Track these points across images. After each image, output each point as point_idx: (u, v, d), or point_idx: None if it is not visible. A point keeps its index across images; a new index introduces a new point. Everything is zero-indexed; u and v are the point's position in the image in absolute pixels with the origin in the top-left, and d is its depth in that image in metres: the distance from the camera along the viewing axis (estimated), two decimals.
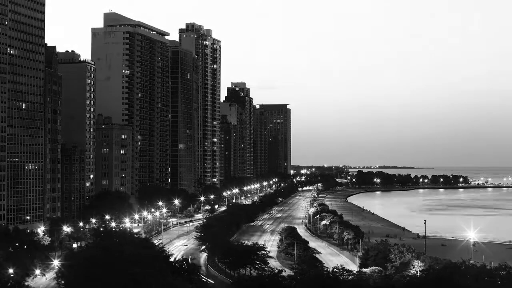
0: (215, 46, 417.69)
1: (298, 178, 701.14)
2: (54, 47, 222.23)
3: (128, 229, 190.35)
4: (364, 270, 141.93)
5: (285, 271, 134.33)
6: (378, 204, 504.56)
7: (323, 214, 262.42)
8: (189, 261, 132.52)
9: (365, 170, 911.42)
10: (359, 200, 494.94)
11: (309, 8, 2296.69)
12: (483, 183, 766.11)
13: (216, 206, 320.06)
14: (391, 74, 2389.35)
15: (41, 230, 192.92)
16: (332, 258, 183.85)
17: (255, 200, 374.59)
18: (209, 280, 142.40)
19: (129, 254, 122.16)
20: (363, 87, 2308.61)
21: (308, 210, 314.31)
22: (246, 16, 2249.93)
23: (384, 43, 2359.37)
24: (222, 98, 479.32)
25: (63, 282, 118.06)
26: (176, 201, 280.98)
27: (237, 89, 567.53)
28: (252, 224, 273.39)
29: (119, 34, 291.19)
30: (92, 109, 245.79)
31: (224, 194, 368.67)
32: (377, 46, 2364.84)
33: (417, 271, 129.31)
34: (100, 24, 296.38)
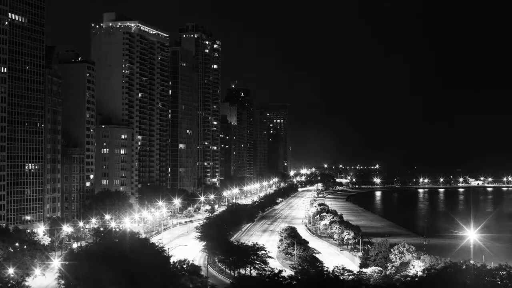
0: (215, 46, 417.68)
1: (298, 178, 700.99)
2: (54, 47, 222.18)
3: (128, 229, 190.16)
4: (364, 270, 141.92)
5: (285, 271, 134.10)
6: (378, 203, 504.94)
7: (323, 214, 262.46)
8: (189, 261, 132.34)
9: (365, 170, 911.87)
10: (359, 200, 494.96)
11: (308, 8, 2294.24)
12: (483, 183, 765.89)
13: (216, 206, 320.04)
14: None
15: (41, 230, 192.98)
16: (332, 258, 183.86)
17: (255, 200, 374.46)
18: (209, 280, 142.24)
19: (129, 254, 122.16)
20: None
21: (308, 210, 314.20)
22: (247, 15, 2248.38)
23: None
24: (222, 98, 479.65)
25: (63, 282, 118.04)
26: (176, 201, 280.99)
27: (237, 89, 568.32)
28: (252, 224, 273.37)
29: (119, 34, 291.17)
30: (92, 109, 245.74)
31: (224, 194, 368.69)
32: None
33: (417, 271, 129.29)
34: (100, 24, 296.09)
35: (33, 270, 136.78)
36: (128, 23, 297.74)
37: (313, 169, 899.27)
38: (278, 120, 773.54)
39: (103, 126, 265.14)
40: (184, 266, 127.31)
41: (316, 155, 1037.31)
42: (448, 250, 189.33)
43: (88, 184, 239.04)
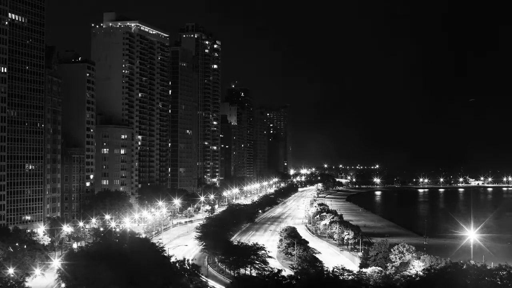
0: (215, 46, 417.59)
1: (298, 178, 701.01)
2: (54, 47, 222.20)
3: (128, 229, 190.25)
4: (364, 270, 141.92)
5: (285, 271, 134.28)
6: (378, 203, 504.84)
7: (323, 214, 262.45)
8: (189, 261, 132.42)
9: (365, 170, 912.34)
10: (359, 200, 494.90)
11: (308, 9, 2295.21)
12: (483, 183, 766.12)
13: (216, 206, 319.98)
14: None
15: (41, 230, 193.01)
16: (332, 258, 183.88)
17: (255, 200, 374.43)
18: (209, 280, 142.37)
19: (129, 254, 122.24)
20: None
21: (308, 210, 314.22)
22: (247, 15, 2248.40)
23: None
24: (222, 98, 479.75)
25: (63, 282, 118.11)
26: (176, 201, 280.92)
27: (237, 89, 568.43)
28: (252, 224, 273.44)
29: (119, 34, 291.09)
30: (92, 109, 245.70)
31: (224, 194, 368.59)
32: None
33: (417, 271, 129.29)
34: (100, 24, 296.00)
35: (33, 270, 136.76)
36: (128, 23, 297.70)
37: (313, 169, 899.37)
38: (278, 120, 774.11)
39: (103, 126, 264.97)
40: (184, 266, 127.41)
41: (316, 155, 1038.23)
42: (448, 250, 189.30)
43: (88, 184, 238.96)
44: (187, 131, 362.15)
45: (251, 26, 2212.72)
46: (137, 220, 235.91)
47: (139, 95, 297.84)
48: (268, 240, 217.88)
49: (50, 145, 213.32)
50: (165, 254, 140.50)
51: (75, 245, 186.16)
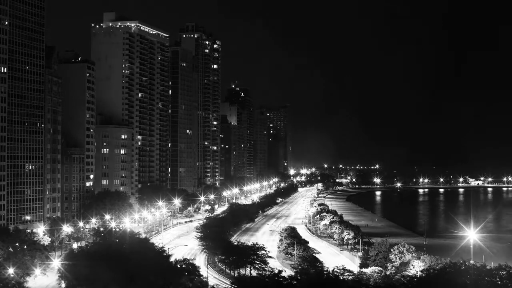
0: (215, 46, 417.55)
1: (298, 178, 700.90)
2: (54, 47, 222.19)
3: (128, 229, 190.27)
4: (364, 270, 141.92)
5: (285, 271, 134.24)
6: (378, 203, 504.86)
7: (323, 214, 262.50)
8: (189, 261, 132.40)
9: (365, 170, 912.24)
10: (359, 200, 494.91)
11: (308, 9, 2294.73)
12: (483, 183, 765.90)
13: (216, 206, 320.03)
14: None
15: (41, 230, 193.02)
16: (332, 258, 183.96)
17: (255, 200, 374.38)
18: (209, 280, 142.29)
19: (129, 254, 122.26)
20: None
21: (308, 210, 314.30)
22: (247, 16, 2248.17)
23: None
24: (222, 98, 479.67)
25: (63, 282, 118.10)
26: (176, 201, 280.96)
27: (237, 89, 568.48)
28: (252, 224, 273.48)
29: (119, 34, 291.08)
30: (92, 109, 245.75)
31: (224, 194, 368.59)
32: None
33: (417, 271, 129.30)
34: (100, 24, 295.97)
35: (33, 270, 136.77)
36: (128, 23, 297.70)
37: (313, 169, 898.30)
38: (278, 120, 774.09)
39: (103, 126, 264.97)
40: (184, 266, 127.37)
41: (316, 155, 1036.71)
42: (448, 250, 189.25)
43: (88, 184, 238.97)
44: (187, 131, 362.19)
45: (251, 26, 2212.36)
46: (137, 220, 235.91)
47: (139, 95, 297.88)
48: (268, 240, 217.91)
49: (50, 145, 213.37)
50: (165, 254, 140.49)
51: (75, 245, 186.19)
